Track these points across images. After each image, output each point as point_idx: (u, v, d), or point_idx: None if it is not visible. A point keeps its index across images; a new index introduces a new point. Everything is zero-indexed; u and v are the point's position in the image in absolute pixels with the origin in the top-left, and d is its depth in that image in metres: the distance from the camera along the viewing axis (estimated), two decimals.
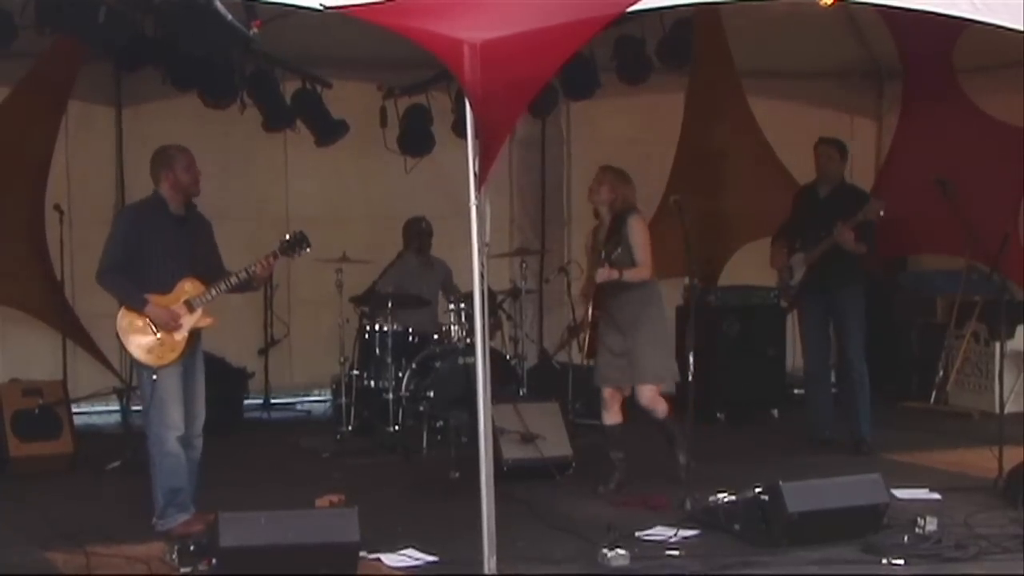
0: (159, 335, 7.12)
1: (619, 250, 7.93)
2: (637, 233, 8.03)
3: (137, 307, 7.10)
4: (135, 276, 7.16)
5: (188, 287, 7.21)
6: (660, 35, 10.59)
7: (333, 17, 5.87)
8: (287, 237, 7.51)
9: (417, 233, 10.52)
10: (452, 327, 9.67)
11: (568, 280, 10.60)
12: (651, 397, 8.11)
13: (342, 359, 10.09)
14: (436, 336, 9.86)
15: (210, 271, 7.32)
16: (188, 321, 7.19)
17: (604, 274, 7.94)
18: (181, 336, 7.16)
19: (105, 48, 9.02)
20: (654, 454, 9.23)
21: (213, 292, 7.24)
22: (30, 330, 10.36)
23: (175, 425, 7.16)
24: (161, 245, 7.19)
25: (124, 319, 7.15)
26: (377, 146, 10.96)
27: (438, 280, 10.53)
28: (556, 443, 8.35)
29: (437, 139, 10.85)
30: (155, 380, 7.13)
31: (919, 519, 6.86)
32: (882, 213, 9.01)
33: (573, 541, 6.90)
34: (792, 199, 9.81)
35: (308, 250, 7.54)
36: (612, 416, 8.21)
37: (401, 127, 10.99)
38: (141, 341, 7.13)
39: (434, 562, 6.54)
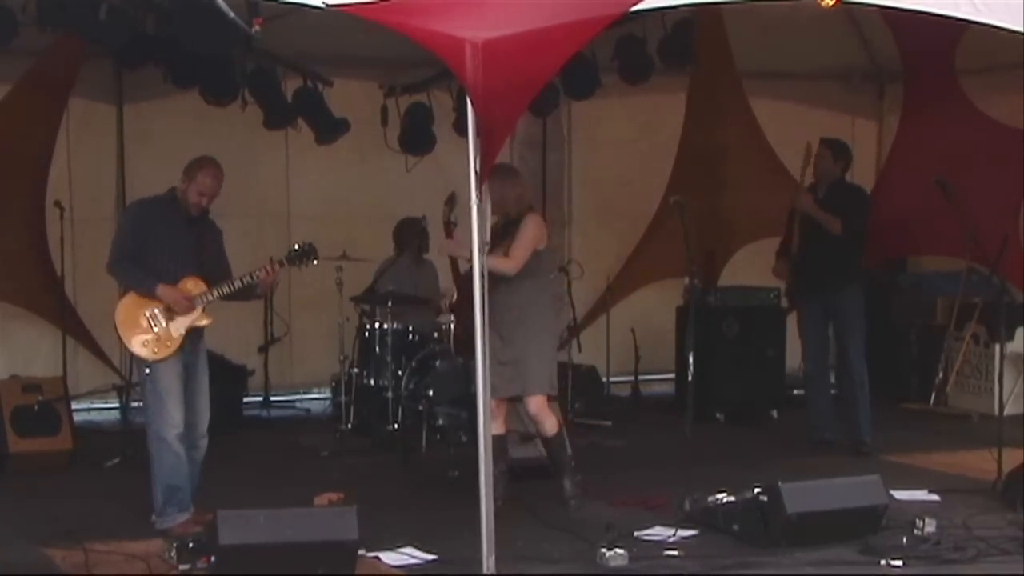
0: (156, 329, 7.13)
1: (502, 244, 7.45)
2: (527, 228, 7.49)
3: (148, 292, 7.11)
4: (141, 268, 7.19)
5: (191, 285, 7.22)
6: (661, 35, 10.58)
7: (335, 15, 5.87)
8: (295, 247, 7.53)
9: (417, 233, 10.50)
10: (452, 326, 9.66)
11: (568, 279, 10.62)
12: (539, 407, 7.59)
13: (342, 357, 10.08)
14: (436, 335, 9.86)
15: (215, 276, 7.32)
16: (187, 318, 7.20)
17: (450, 245, 7.45)
18: (177, 333, 7.17)
19: (106, 46, 9.02)
20: (653, 454, 9.26)
21: (215, 293, 7.25)
22: (30, 326, 10.36)
23: (175, 423, 7.15)
24: (168, 241, 7.22)
25: (123, 310, 7.17)
26: (378, 145, 10.97)
27: (433, 280, 10.50)
28: None
29: (438, 138, 10.85)
30: (148, 373, 7.14)
31: (918, 520, 6.86)
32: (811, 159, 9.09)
33: (572, 541, 6.89)
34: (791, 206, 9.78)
35: (315, 262, 7.57)
36: (496, 426, 7.35)
37: (402, 126, 10.99)
38: (138, 334, 7.13)
39: (433, 561, 6.54)
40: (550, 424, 7.67)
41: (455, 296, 7.58)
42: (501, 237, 7.52)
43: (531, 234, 7.53)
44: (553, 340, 7.91)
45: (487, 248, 7.11)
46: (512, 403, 7.75)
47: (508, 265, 7.46)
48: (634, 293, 11.76)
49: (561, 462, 7.74)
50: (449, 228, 7.68)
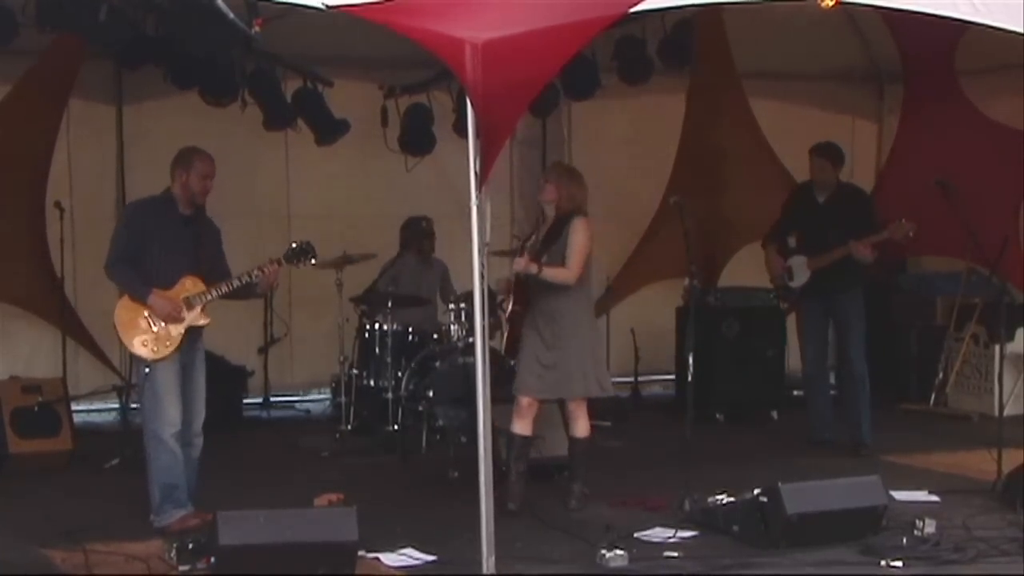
0: (155, 329, 7.13)
1: (553, 249, 7.53)
2: (577, 233, 7.54)
3: (141, 298, 7.12)
4: (138, 270, 7.19)
5: (189, 285, 7.23)
6: (661, 36, 10.59)
7: (335, 16, 5.88)
8: (293, 245, 7.53)
9: (418, 233, 10.51)
10: (452, 327, 9.66)
11: None
12: (578, 407, 7.70)
13: (342, 358, 10.08)
14: (436, 335, 9.85)
15: (214, 275, 7.32)
16: (186, 318, 7.20)
17: (521, 263, 7.43)
18: (177, 332, 7.18)
19: (106, 46, 9.02)
20: (652, 455, 9.26)
21: (213, 292, 7.26)
22: (30, 327, 10.36)
23: (171, 421, 7.16)
24: (165, 242, 7.22)
25: (122, 311, 7.17)
26: (378, 145, 10.96)
27: (437, 280, 10.53)
28: (555, 443, 8.32)
29: (438, 138, 10.85)
30: (148, 373, 7.15)
31: (918, 521, 6.85)
32: (911, 235, 9.00)
33: (572, 541, 6.90)
34: (788, 196, 9.80)
35: (313, 262, 7.57)
36: (523, 426, 7.67)
37: (402, 126, 10.99)
38: (137, 334, 7.14)
39: (433, 562, 6.54)
40: (583, 426, 7.74)
41: (509, 307, 7.66)
42: (552, 239, 7.58)
43: (586, 239, 7.58)
44: (597, 342, 7.98)
45: (538, 252, 7.39)
46: (542, 406, 7.78)
47: (567, 276, 7.55)
48: (634, 293, 11.76)
49: (578, 466, 7.80)
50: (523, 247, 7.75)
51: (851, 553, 6.63)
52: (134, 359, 7.40)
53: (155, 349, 7.15)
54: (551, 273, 7.50)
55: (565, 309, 7.61)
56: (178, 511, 7.16)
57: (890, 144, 12.22)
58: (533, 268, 7.48)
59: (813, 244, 9.36)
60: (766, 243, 9.73)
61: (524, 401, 7.68)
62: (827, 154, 9.41)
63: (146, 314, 7.14)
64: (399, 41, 5.90)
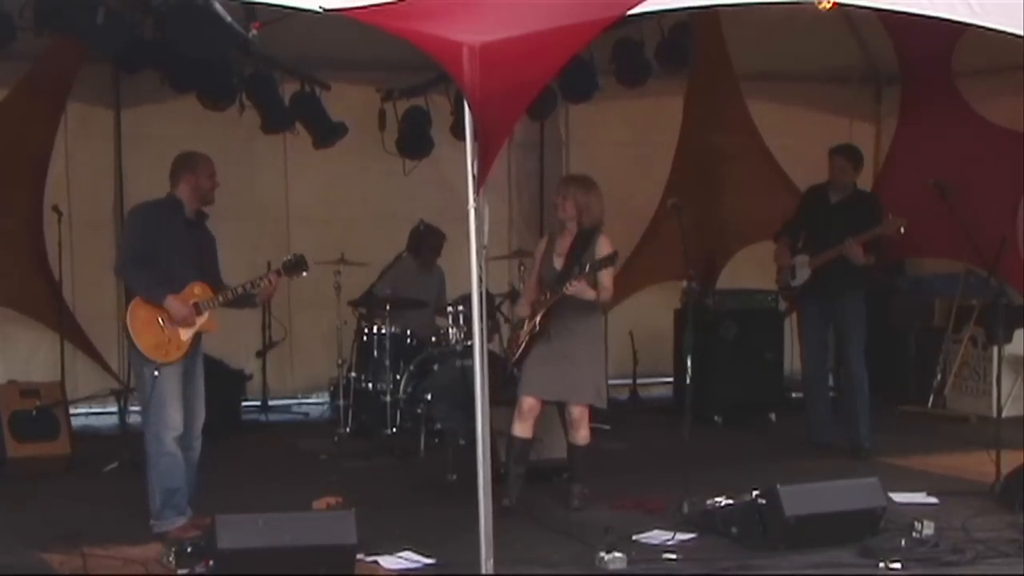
0: (167, 332, 7.15)
1: (583, 263, 7.55)
2: (605, 251, 7.61)
3: (157, 300, 7.14)
4: (150, 271, 7.21)
5: (198, 290, 7.26)
6: (659, 38, 10.58)
7: (332, 19, 5.88)
8: (288, 258, 7.59)
9: (429, 245, 10.46)
10: (450, 329, 9.66)
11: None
12: (582, 413, 7.72)
13: (340, 361, 10.09)
14: (434, 339, 9.86)
15: (211, 283, 7.35)
16: (197, 323, 7.23)
17: (576, 288, 7.48)
18: (187, 336, 7.20)
19: (104, 50, 9.01)
20: (651, 457, 9.26)
21: (220, 299, 7.31)
22: (28, 331, 10.36)
23: (174, 425, 7.17)
24: (173, 245, 7.25)
25: (136, 311, 7.18)
26: (376, 148, 10.96)
27: (435, 285, 10.52)
28: (553, 446, 8.33)
29: (436, 141, 10.85)
30: (156, 377, 7.15)
31: (916, 523, 6.86)
32: (903, 230, 8.99)
33: (570, 544, 6.90)
34: (802, 196, 9.82)
35: (305, 274, 7.61)
36: (524, 428, 7.70)
37: (400, 129, 10.99)
38: (151, 336, 7.15)
39: (431, 564, 6.55)
40: (584, 434, 7.77)
41: (537, 326, 7.69)
42: (580, 255, 7.63)
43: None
44: (602, 353, 8.02)
45: (590, 270, 7.42)
46: (544, 409, 7.78)
47: (608, 295, 7.67)
48: (632, 296, 11.75)
49: (579, 470, 7.84)
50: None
51: (849, 555, 6.63)
52: (137, 362, 7.35)
53: (167, 352, 7.17)
54: (604, 294, 7.61)
55: (581, 318, 7.67)
56: (179, 518, 7.16)
57: (888, 146, 12.22)
58: (591, 294, 7.55)
59: (816, 243, 9.37)
60: (777, 237, 9.73)
61: (527, 403, 7.69)
62: (849, 155, 9.44)
63: (160, 317, 7.15)
64: (397, 44, 5.90)
